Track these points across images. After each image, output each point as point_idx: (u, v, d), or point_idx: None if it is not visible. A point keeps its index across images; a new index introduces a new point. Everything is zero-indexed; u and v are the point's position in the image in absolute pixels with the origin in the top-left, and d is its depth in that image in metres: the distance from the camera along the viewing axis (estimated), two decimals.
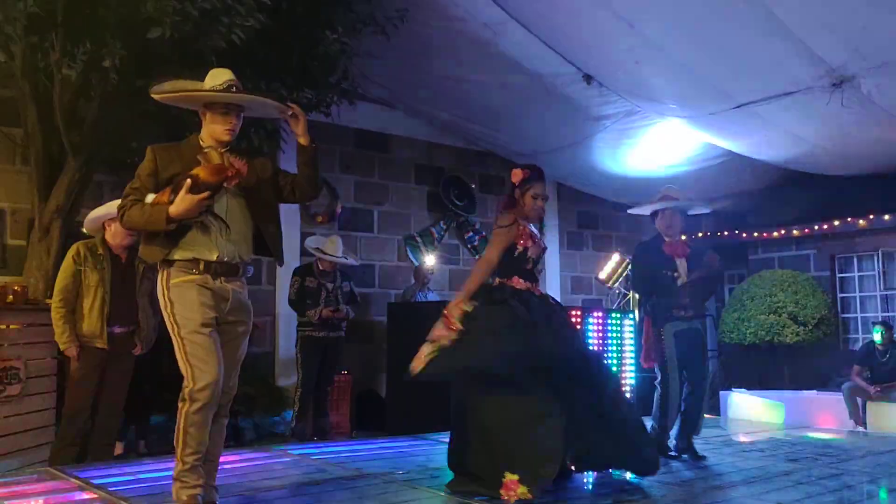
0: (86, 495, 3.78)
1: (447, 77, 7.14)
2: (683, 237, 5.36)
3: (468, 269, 8.58)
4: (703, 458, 4.97)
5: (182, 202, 2.98)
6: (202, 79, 3.28)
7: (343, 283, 6.73)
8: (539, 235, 4.28)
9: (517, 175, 4.12)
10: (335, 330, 6.59)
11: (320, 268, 6.62)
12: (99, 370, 4.81)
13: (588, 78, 6.71)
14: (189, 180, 2.99)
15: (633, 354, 7.89)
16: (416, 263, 8.31)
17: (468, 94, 7.42)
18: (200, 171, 3.02)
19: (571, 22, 5.95)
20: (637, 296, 5.44)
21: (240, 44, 4.82)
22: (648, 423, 4.92)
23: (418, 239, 8.55)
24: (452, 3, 5.94)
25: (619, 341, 7.92)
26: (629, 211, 5.63)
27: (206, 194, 3.00)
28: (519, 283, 4.04)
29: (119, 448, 5.53)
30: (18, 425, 4.78)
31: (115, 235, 4.89)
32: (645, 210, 5.33)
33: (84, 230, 5.07)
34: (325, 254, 6.58)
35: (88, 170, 5.52)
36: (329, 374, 6.71)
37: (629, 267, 5.33)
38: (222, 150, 3.20)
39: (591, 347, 4.27)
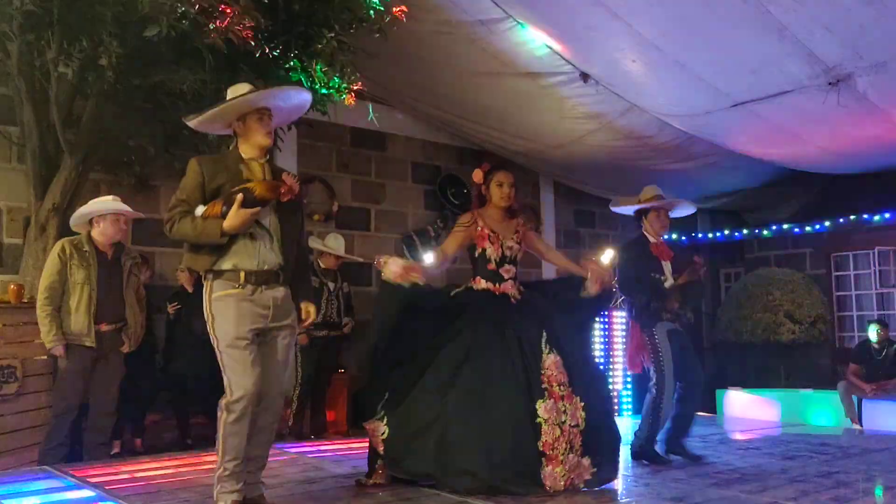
0: (82, 494, 3.79)
1: (444, 75, 7.14)
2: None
3: (465, 268, 8.57)
4: (700, 457, 4.89)
5: (237, 217, 3.10)
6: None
7: (343, 283, 6.72)
8: (515, 235, 4.24)
9: (478, 174, 4.31)
10: (335, 329, 6.59)
11: (322, 266, 6.61)
12: (87, 368, 4.79)
13: (585, 76, 6.71)
14: (241, 195, 3.10)
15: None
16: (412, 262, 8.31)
17: (465, 92, 7.42)
18: (256, 186, 3.14)
19: (568, 20, 5.95)
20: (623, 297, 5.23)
21: (236, 42, 4.80)
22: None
23: (415, 238, 8.54)
24: (450, 1, 5.93)
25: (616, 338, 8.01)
26: (612, 209, 5.56)
27: (258, 209, 3.13)
28: (480, 283, 4.19)
29: (116, 447, 5.53)
30: (15, 424, 4.78)
31: (103, 232, 4.87)
32: (629, 210, 5.21)
33: (71, 227, 5.05)
34: (329, 249, 6.57)
35: (85, 168, 5.51)
36: (329, 373, 6.71)
37: (617, 270, 5.08)
38: (262, 161, 3.31)
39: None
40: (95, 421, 4.91)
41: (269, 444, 3.40)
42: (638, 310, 4.96)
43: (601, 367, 4.40)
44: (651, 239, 5.02)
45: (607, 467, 3.95)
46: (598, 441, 3.93)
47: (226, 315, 3.18)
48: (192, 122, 3.35)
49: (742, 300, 9.36)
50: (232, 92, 3.33)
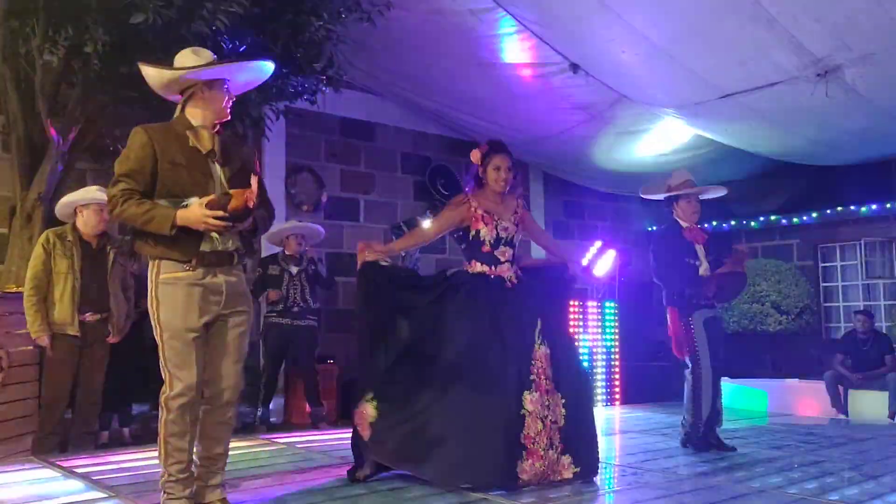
0: (69, 484, 3.77)
1: (433, 65, 7.12)
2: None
3: (455, 259, 8.58)
4: (733, 448, 4.88)
5: (196, 212, 2.86)
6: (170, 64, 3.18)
7: (309, 266, 6.67)
8: (513, 216, 4.10)
9: (476, 155, 4.12)
10: (299, 318, 6.52)
11: (286, 253, 6.60)
12: (73, 358, 4.79)
13: (574, 67, 6.70)
14: (214, 196, 2.89)
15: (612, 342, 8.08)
16: (403, 253, 8.28)
17: (454, 82, 7.40)
18: (235, 196, 2.89)
19: (558, 10, 5.94)
20: (659, 284, 5.14)
21: (224, 30, 4.77)
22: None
23: (405, 228, 8.52)
24: None
25: (611, 330, 8.12)
26: (641, 195, 5.52)
27: (219, 213, 2.86)
28: (475, 266, 4.03)
29: (104, 437, 5.51)
30: (1, 414, 4.74)
31: (87, 222, 4.87)
32: (660, 196, 5.17)
33: (57, 216, 5.03)
34: (284, 227, 6.58)
35: (71, 157, 5.47)
36: (306, 362, 6.62)
37: (651, 256, 5.07)
38: (213, 131, 3.09)
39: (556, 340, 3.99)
40: (82, 410, 4.92)
41: (226, 442, 3.15)
42: (672, 296, 4.97)
43: (584, 363, 4.23)
44: (683, 224, 5.02)
45: (589, 467, 3.91)
46: (577, 439, 3.87)
47: (172, 303, 2.93)
48: (152, 72, 3.05)
49: None
50: (194, 55, 3.08)
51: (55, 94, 5.32)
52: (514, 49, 6.55)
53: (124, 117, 5.55)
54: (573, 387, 3.96)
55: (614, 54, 6.36)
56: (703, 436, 4.90)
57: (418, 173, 8.82)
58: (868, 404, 7.31)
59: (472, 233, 4.05)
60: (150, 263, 3.01)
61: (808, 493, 3.65)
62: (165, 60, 3.21)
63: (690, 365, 4.90)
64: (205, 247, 2.98)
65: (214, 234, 2.97)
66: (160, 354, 2.96)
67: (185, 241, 2.94)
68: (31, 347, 4.93)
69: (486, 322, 3.84)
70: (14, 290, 5.01)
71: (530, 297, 4.00)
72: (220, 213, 2.87)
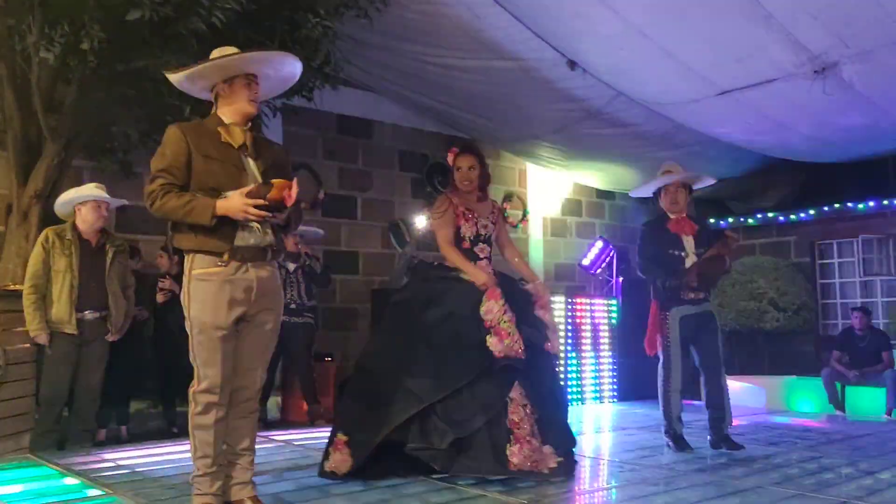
0: (67, 482, 3.77)
1: (431, 62, 7.10)
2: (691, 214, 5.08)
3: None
4: (741, 447, 4.72)
5: (237, 202, 2.90)
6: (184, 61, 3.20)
7: (307, 261, 6.64)
8: (490, 216, 4.22)
9: (450, 157, 4.28)
10: (296, 315, 6.51)
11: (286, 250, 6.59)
12: (72, 356, 4.80)
13: (572, 64, 6.69)
14: (255, 186, 2.92)
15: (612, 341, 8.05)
16: (401, 250, 8.29)
17: (452, 79, 7.39)
18: (275, 185, 2.91)
19: (556, 7, 5.93)
20: (644, 277, 5.00)
21: (220, 26, 4.75)
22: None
23: (402, 226, 8.52)
24: None
25: (608, 328, 8.09)
26: (631, 194, 5.50)
27: (259, 202, 2.89)
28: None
29: (101, 435, 5.51)
30: None
31: (86, 219, 4.86)
32: (647, 191, 5.11)
33: (57, 215, 5.03)
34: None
35: (67, 155, 5.45)
36: (303, 360, 6.62)
37: (637, 250, 4.97)
38: (245, 128, 3.13)
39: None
40: (80, 408, 4.92)
41: (252, 436, 3.19)
42: (656, 289, 4.88)
43: (553, 360, 4.24)
44: (670, 216, 4.92)
45: (570, 459, 3.95)
46: (554, 433, 3.93)
47: (204, 299, 2.94)
48: (175, 77, 3.11)
49: (727, 288, 9.40)
50: (219, 53, 3.12)
51: (51, 91, 5.30)
52: (512, 45, 6.54)
53: (121, 115, 5.54)
54: (538, 383, 3.99)
55: (611, 51, 6.36)
56: (709, 438, 4.83)
57: (416, 171, 8.81)
58: (865, 401, 7.33)
59: (454, 229, 4.16)
60: (186, 257, 3.04)
61: (805, 489, 3.66)
62: (163, 57, 3.22)
63: (662, 361, 4.83)
64: (239, 241, 2.99)
65: (255, 224, 3.00)
66: (191, 350, 2.99)
67: (220, 233, 2.96)
68: (28, 345, 4.92)
69: (468, 322, 3.91)
70: (11, 287, 5.00)
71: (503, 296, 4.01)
72: (260, 201, 2.90)
